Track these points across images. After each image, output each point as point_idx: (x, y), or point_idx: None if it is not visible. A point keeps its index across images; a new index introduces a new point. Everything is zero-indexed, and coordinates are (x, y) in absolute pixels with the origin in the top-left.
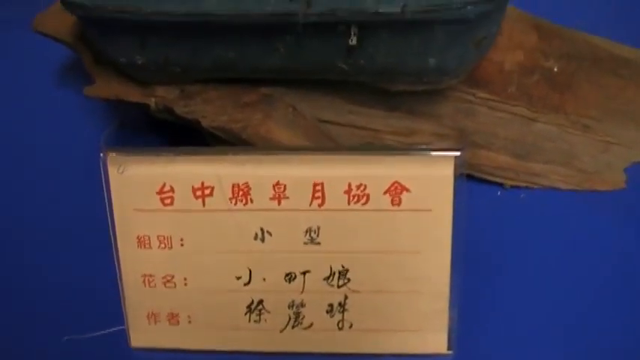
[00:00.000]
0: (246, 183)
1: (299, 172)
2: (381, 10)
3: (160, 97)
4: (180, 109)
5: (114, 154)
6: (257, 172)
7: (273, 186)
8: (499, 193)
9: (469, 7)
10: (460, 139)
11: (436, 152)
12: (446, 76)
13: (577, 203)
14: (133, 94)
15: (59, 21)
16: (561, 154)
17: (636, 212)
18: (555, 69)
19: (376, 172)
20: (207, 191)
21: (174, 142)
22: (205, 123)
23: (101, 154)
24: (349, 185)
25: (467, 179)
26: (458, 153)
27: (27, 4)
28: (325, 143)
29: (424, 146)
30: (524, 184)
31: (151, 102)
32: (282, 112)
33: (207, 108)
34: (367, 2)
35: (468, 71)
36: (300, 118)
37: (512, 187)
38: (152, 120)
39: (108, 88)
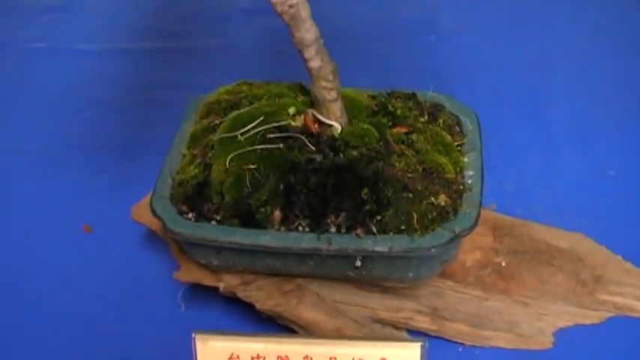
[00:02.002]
0: (287, 355)
1: (320, 350)
2: (376, 249)
3: (227, 283)
4: (241, 293)
5: (200, 335)
6: (293, 349)
7: (304, 358)
8: (460, 349)
9: (433, 250)
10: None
11: (409, 342)
12: (420, 280)
13: (516, 359)
14: (207, 279)
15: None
16: (506, 324)
17: None
18: (503, 264)
19: (370, 352)
20: (260, 359)
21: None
22: (258, 306)
23: (192, 335)
24: (353, 359)
25: (437, 339)
26: (422, 342)
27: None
28: (339, 318)
29: (404, 334)
30: (479, 344)
31: (220, 286)
32: (310, 298)
33: (259, 293)
34: (368, 243)
35: (438, 274)
36: (322, 301)
37: (470, 346)
38: None
39: (189, 274)
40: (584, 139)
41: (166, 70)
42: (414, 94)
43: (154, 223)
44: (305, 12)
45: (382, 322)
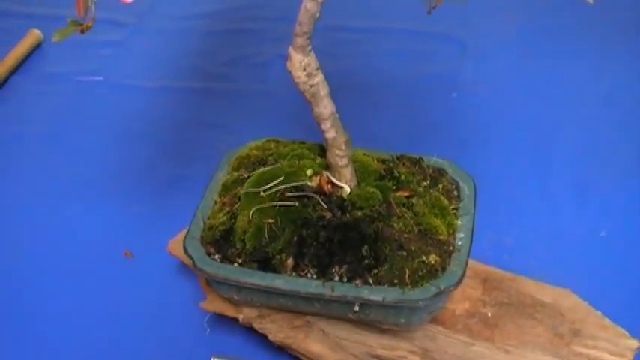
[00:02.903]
0: None
1: None
2: (371, 298)
3: (245, 315)
4: (257, 325)
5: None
6: None
7: None
8: None
9: (421, 302)
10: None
11: None
12: (411, 326)
13: None
14: (229, 310)
15: None
16: None
17: None
18: (489, 314)
19: None
20: None
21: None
22: (271, 337)
23: (211, 359)
24: None
25: None
26: None
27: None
28: (340, 352)
29: None
30: None
31: (240, 317)
32: (316, 333)
33: (272, 326)
34: (365, 292)
35: (428, 321)
36: (327, 336)
37: None
38: None
39: (214, 304)
40: (583, 200)
41: (209, 110)
42: (420, 159)
43: (186, 258)
44: (324, 91)
45: (379, 358)
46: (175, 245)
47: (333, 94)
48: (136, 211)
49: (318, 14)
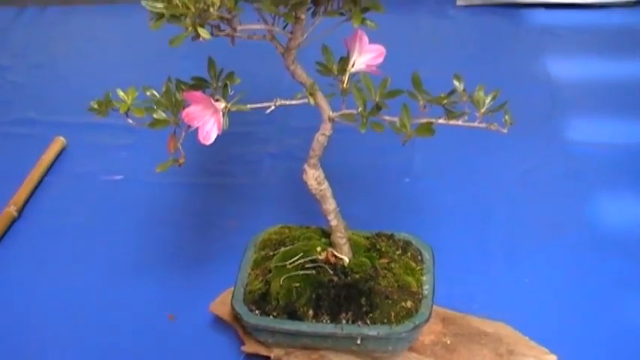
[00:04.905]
0: None
1: None
2: (369, 334)
3: (276, 353)
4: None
5: None
6: None
7: None
8: None
9: (403, 334)
10: None
11: None
12: (396, 352)
13: None
14: (262, 350)
15: (226, 308)
16: None
17: None
18: (448, 342)
19: None
20: None
21: None
22: None
23: None
24: None
25: None
26: None
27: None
28: None
29: None
30: None
31: (272, 356)
32: None
33: None
34: (364, 330)
35: (407, 349)
36: None
37: None
38: None
39: (251, 347)
40: (510, 257)
41: (215, 200)
42: (392, 235)
43: (225, 315)
44: (329, 193)
45: None
46: (215, 306)
47: None
48: (174, 284)
49: (326, 143)
